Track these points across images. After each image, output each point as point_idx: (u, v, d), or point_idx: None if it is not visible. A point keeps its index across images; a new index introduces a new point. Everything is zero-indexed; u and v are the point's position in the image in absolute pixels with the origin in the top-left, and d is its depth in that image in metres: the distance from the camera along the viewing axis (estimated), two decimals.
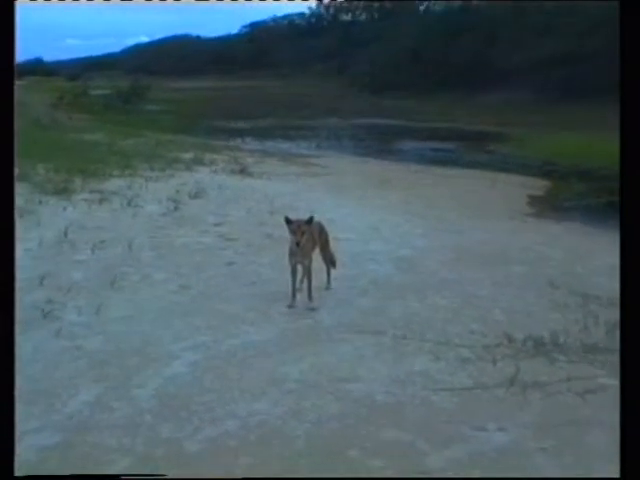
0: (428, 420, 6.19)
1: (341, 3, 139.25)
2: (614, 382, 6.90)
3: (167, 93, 74.17)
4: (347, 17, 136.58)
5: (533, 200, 19.43)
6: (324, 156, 28.88)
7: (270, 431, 5.98)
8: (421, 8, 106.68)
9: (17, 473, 3.74)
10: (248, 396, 6.56)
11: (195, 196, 15.83)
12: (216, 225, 13.17)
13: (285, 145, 34.60)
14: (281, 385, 6.79)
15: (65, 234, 11.81)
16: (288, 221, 8.69)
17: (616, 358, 7.35)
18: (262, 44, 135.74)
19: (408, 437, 5.90)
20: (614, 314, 8.52)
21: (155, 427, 5.99)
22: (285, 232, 12.11)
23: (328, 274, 9.55)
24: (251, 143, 34.41)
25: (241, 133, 40.18)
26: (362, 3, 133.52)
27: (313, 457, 5.63)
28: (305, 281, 9.05)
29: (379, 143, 37.61)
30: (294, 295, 8.95)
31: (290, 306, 8.87)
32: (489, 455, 5.70)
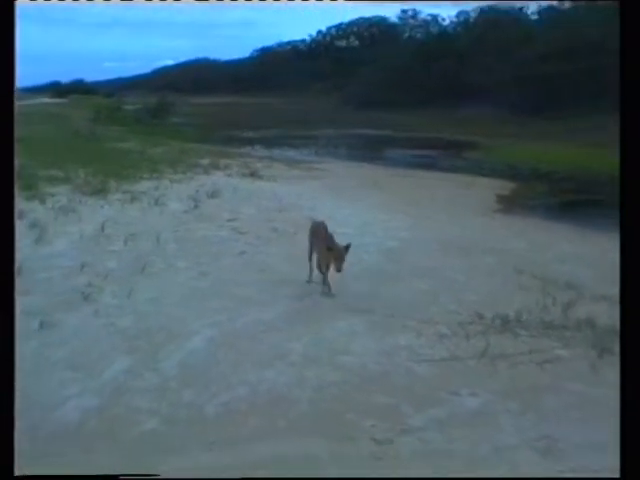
0: (411, 387, 6.23)
1: (337, 31, 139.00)
2: (568, 353, 6.97)
3: (189, 108, 73.90)
4: (342, 43, 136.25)
5: (501, 199, 19.40)
6: (323, 162, 28.81)
7: (276, 397, 6.03)
8: (405, 35, 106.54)
9: (64, 429, 3.68)
10: (258, 367, 6.59)
11: (212, 196, 15.80)
12: (230, 221, 13.16)
13: (289, 152, 34.52)
14: (286, 357, 6.83)
15: (102, 228, 11.82)
16: (329, 248, 8.55)
17: (570, 333, 7.44)
18: (269, 66, 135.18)
19: (394, 401, 5.94)
20: (569, 295, 8.60)
21: (178, 393, 6.04)
22: (289, 226, 12.20)
23: None
24: (260, 150, 34.32)
25: (251, 142, 40.12)
26: (355, 30, 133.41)
27: (314, 419, 5.68)
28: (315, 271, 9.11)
29: (371, 151, 37.54)
30: (311, 272, 9.22)
31: (309, 281, 9.19)
32: (462, 416, 5.75)
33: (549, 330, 7.61)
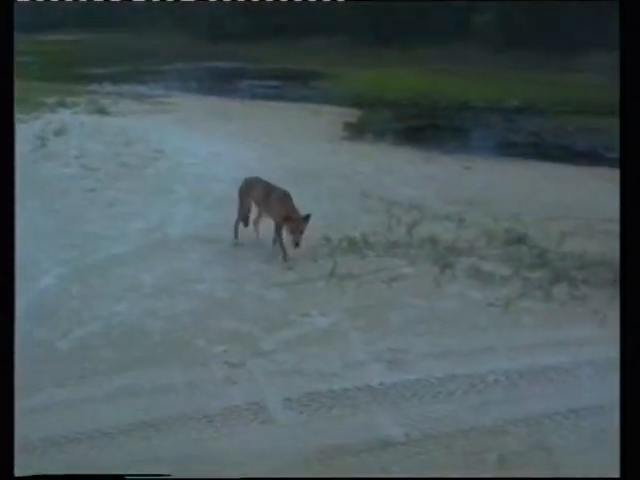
0: (262, 311, 6.31)
1: None
2: (413, 270, 7.16)
3: (33, 46, 71.08)
4: None
5: (348, 126, 19.40)
6: (172, 96, 28.12)
7: (130, 329, 6.02)
8: None
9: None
10: (110, 301, 6.53)
11: (59, 134, 15.27)
12: (78, 158, 12.76)
13: (139, 88, 33.44)
14: (138, 290, 6.80)
15: None
16: (287, 217, 7.38)
17: (414, 251, 7.64)
18: (117, 1, 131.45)
19: (246, 326, 6.01)
20: (412, 216, 8.79)
21: (31, 332, 5.89)
22: (138, 160, 11.98)
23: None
24: (108, 87, 33.10)
25: (99, 79, 38.74)
26: None
27: (167, 347, 5.70)
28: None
29: (220, 83, 36.85)
30: (237, 232, 8.15)
31: (236, 243, 8.09)
32: (313, 335, 5.87)
33: (394, 249, 7.79)
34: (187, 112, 21.70)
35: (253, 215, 8.25)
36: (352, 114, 21.91)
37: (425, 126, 19.91)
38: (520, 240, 8.11)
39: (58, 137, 14.89)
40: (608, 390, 5.24)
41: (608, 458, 4.49)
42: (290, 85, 33.63)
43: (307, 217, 7.39)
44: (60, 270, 7.22)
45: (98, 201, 9.87)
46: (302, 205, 9.45)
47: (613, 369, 5.47)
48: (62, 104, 21.53)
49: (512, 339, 5.94)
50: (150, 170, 11.68)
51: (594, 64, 24.71)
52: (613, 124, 15.60)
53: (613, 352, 5.69)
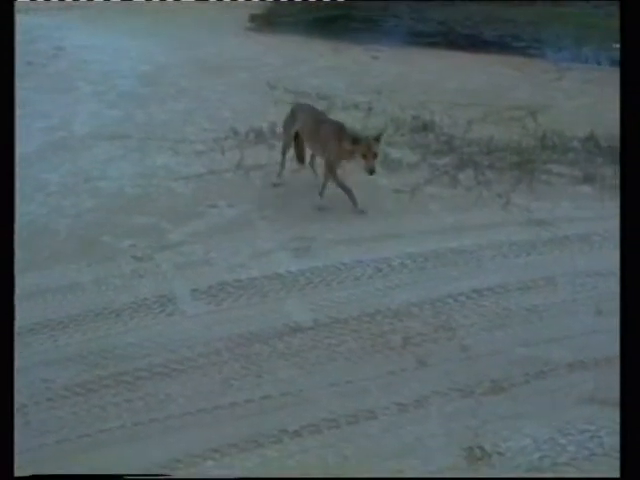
0: (170, 204, 6.25)
1: None
2: (320, 159, 7.11)
3: None
4: None
5: (254, 18, 18.98)
6: None
7: (37, 228, 5.89)
8: None
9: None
10: (16, 201, 6.31)
11: None
12: None
13: None
14: (44, 189, 6.60)
15: None
16: (355, 140, 5.90)
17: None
18: None
19: (153, 220, 5.95)
20: (321, 105, 8.66)
21: None
22: (41, 59, 11.52)
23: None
24: None
25: None
26: None
27: (74, 244, 5.63)
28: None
29: None
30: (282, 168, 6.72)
31: (276, 184, 6.65)
32: (221, 226, 5.88)
33: None
34: (91, 8, 20.98)
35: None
36: (258, 5, 21.44)
37: (334, 17, 19.58)
38: (427, 127, 8.08)
39: None
40: (509, 270, 5.39)
41: (511, 334, 4.66)
42: None
43: (379, 137, 6.03)
44: None
45: None
46: (208, 97, 9.32)
47: (514, 250, 5.65)
48: None
49: (418, 224, 5.99)
50: (52, 68, 11.20)
51: None
52: (520, 14, 15.40)
53: (514, 235, 5.88)
